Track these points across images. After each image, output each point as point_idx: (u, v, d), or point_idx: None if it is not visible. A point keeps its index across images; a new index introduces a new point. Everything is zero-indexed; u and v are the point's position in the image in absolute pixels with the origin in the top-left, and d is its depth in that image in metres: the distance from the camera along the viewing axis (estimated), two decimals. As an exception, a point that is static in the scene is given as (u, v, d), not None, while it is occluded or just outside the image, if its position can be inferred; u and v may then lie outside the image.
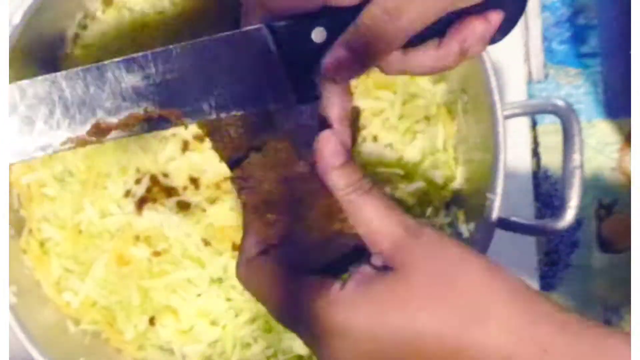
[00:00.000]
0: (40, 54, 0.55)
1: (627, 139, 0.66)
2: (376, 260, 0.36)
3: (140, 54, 0.36)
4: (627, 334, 0.33)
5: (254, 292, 0.39)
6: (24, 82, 0.34)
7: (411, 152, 0.57)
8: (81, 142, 0.35)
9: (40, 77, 0.34)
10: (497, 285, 0.34)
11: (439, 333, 0.33)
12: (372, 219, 0.36)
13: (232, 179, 0.39)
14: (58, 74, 0.35)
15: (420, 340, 0.33)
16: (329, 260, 0.39)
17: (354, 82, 0.56)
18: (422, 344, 0.33)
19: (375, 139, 0.56)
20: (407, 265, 0.34)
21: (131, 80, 0.36)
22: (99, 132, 0.35)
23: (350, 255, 0.40)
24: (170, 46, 0.36)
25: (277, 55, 0.36)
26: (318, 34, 0.36)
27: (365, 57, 0.35)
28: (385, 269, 0.35)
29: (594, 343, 0.33)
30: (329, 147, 0.37)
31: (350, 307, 0.34)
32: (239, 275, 0.39)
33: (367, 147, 0.56)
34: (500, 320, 0.33)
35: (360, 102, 0.56)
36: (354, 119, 0.56)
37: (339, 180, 0.36)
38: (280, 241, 0.39)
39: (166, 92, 0.36)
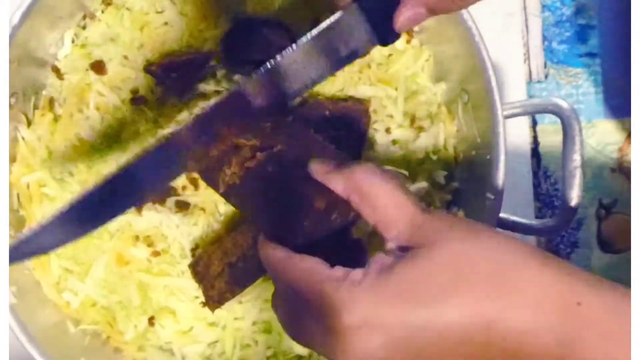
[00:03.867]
0: (41, 54, 0.55)
1: (627, 138, 0.66)
2: (391, 245, 0.36)
3: None
4: None
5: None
6: None
7: (415, 150, 0.57)
8: None
9: None
10: (515, 254, 0.34)
11: (472, 317, 0.32)
12: (386, 202, 0.36)
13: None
14: None
15: (456, 324, 0.32)
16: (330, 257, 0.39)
17: (357, 73, 0.57)
18: (458, 328, 0.32)
19: (388, 131, 0.57)
20: (427, 242, 0.34)
21: None
22: None
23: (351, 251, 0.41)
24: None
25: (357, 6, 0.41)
26: None
27: (439, 12, 0.39)
28: (403, 251, 0.35)
29: (622, 293, 0.33)
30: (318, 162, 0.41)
31: (375, 297, 0.33)
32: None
33: (375, 144, 0.57)
34: (533, 297, 0.32)
35: (366, 89, 0.57)
36: (364, 110, 0.56)
37: (339, 180, 0.39)
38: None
39: None
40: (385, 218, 0.36)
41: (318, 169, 0.41)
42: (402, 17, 0.40)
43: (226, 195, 0.47)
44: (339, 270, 0.35)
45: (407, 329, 0.32)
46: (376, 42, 0.42)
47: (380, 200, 0.37)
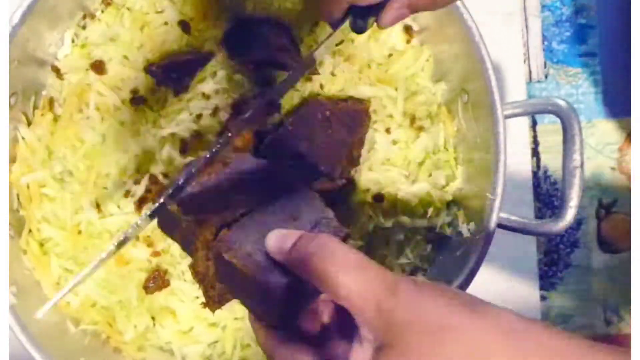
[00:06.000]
0: (41, 54, 0.55)
1: (627, 138, 0.66)
2: (364, 333, 0.35)
3: None
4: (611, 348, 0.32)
5: None
6: None
7: (415, 150, 0.57)
8: None
9: None
10: (486, 329, 0.32)
11: None
12: (349, 291, 0.33)
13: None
14: None
15: None
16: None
17: (357, 73, 0.57)
18: None
19: (388, 131, 0.57)
20: (397, 338, 0.32)
21: None
22: None
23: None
24: None
25: None
26: None
27: (420, 10, 0.43)
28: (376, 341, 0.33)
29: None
30: (273, 239, 0.38)
31: None
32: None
33: (375, 144, 0.57)
34: None
35: (366, 89, 0.57)
36: (364, 110, 0.56)
37: (300, 249, 0.36)
38: None
39: None
40: (352, 306, 0.34)
41: (273, 246, 0.38)
42: (387, 15, 0.43)
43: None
44: None
45: None
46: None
47: (343, 290, 0.34)
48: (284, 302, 0.37)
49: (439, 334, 0.32)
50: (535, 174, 0.66)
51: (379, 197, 0.56)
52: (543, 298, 0.65)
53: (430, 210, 0.56)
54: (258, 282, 0.38)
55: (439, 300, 0.33)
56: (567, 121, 0.51)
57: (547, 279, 0.66)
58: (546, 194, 0.66)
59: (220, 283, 0.42)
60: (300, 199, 0.44)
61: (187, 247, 0.44)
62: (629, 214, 0.66)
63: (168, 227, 0.45)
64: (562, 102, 0.51)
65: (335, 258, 0.34)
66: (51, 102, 0.56)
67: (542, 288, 0.65)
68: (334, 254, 0.34)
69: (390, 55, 0.58)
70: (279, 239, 0.38)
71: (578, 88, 0.67)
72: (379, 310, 0.33)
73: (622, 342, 0.66)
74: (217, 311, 0.52)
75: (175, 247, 0.55)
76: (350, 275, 0.33)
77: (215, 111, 0.55)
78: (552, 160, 0.66)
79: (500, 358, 0.31)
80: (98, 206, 0.55)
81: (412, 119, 0.57)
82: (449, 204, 0.57)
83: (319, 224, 0.41)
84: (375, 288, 0.33)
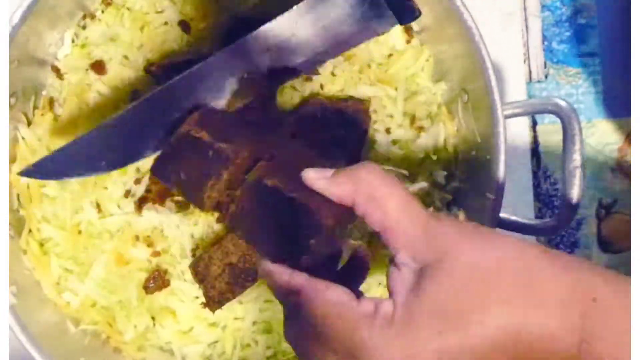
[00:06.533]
0: (41, 54, 0.55)
1: (627, 138, 0.66)
2: (403, 258, 0.35)
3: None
4: None
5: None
6: None
7: (415, 150, 0.57)
8: None
9: None
10: (530, 258, 0.34)
11: (502, 329, 0.32)
12: (397, 208, 0.35)
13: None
14: None
15: (488, 339, 0.32)
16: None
17: (357, 73, 0.57)
18: (490, 342, 0.32)
19: (388, 131, 0.57)
20: (442, 254, 0.33)
21: None
22: None
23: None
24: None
25: None
26: None
27: None
28: (417, 263, 0.34)
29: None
30: (312, 171, 0.39)
31: (409, 336, 0.33)
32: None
33: (375, 144, 0.57)
34: (554, 298, 0.33)
35: (366, 89, 0.57)
36: (364, 110, 0.56)
37: (342, 185, 0.37)
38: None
39: None
40: (397, 226, 0.35)
41: (313, 176, 0.38)
42: None
43: (216, 210, 0.45)
44: (367, 304, 0.35)
45: (444, 358, 0.33)
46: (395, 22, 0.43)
47: (391, 206, 0.35)
48: (323, 237, 0.38)
49: (482, 245, 0.34)
50: (535, 174, 0.66)
51: (379, 197, 0.56)
52: (543, 298, 0.65)
53: (430, 210, 0.56)
54: (305, 207, 0.38)
55: (477, 227, 0.36)
56: (567, 121, 0.51)
57: (547, 279, 0.66)
58: (546, 194, 0.66)
59: (240, 223, 0.42)
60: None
61: (193, 192, 0.44)
62: (629, 214, 0.66)
63: (165, 170, 0.45)
64: (562, 102, 0.51)
65: (384, 183, 0.36)
66: (51, 102, 0.56)
67: (542, 288, 0.65)
68: (383, 179, 0.36)
69: (390, 55, 0.58)
70: (318, 170, 0.39)
71: (578, 88, 0.67)
72: (425, 231, 0.34)
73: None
74: (217, 311, 0.52)
75: (175, 247, 0.55)
76: (397, 200, 0.35)
77: (215, 111, 0.56)
78: (552, 160, 0.66)
79: (544, 267, 0.34)
80: (98, 206, 0.55)
81: (412, 119, 0.57)
82: (449, 204, 0.57)
83: None
84: (422, 212, 0.35)
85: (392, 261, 0.36)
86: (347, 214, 0.38)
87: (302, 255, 0.38)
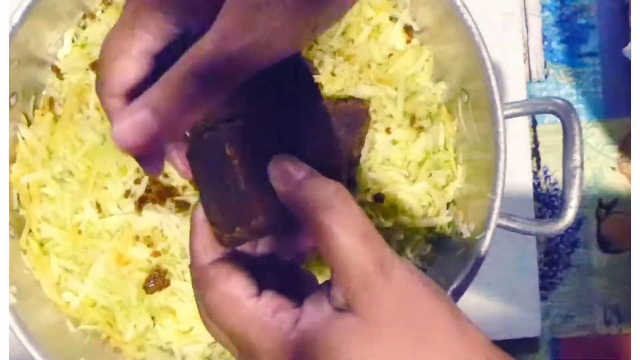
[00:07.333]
0: (41, 54, 0.55)
1: (626, 138, 0.66)
2: (336, 294, 0.32)
3: None
4: None
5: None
6: None
7: (415, 150, 0.57)
8: None
9: None
10: (464, 346, 0.32)
11: None
12: (349, 251, 0.31)
13: None
14: None
15: None
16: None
17: (357, 73, 0.57)
18: None
19: (388, 131, 0.57)
20: (372, 311, 0.31)
21: None
22: None
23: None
24: None
25: None
26: None
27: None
28: (340, 310, 0.32)
29: None
30: (285, 164, 0.33)
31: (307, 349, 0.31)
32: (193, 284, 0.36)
33: (375, 144, 0.57)
34: None
35: (366, 89, 0.57)
36: (364, 110, 0.56)
37: (308, 192, 0.32)
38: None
39: None
40: (339, 266, 0.31)
41: (278, 176, 0.34)
42: None
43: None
44: (268, 305, 0.33)
45: None
46: None
47: (341, 251, 0.31)
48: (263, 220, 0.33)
49: (419, 329, 0.31)
50: (535, 174, 0.66)
51: (379, 197, 0.56)
52: (543, 298, 0.65)
53: (430, 210, 0.56)
54: (242, 194, 0.33)
55: (428, 295, 0.32)
56: (567, 121, 0.51)
57: (547, 279, 0.66)
58: (546, 194, 0.66)
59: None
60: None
61: None
62: (629, 214, 0.66)
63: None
64: (562, 102, 0.51)
65: (342, 217, 0.31)
66: (51, 102, 0.57)
67: (542, 288, 0.65)
68: (341, 212, 0.32)
69: (390, 55, 0.58)
70: (286, 168, 0.33)
71: (578, 88, 0.67)
72: (365, 287, 0.31)
73: (622, 342, 0.66)
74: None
75: (175, 247, 0.55)
76: (352, 239, 0.31)
77: (215, 111, 0.55)
78: (552, 160, 0.66)
79: None
80: (98, 206, 0.55)
81: (412, 119, 0.57)
82: (449, 204, 0.57)
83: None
84: (372, 263, 0.31)
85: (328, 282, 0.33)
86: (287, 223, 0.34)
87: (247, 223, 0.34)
